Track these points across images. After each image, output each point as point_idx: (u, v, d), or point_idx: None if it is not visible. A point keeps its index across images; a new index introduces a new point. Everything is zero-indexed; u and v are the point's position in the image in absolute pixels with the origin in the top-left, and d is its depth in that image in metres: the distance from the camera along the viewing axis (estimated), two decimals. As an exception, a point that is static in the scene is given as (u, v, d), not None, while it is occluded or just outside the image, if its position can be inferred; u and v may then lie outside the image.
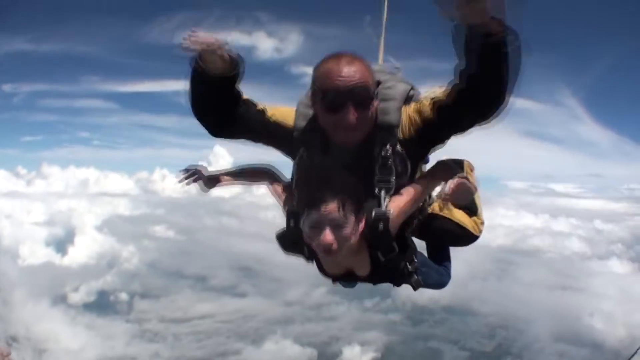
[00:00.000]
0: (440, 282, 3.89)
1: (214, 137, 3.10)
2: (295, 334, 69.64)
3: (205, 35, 2.50)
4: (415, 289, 3.45)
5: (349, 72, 2.76)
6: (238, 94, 2.96)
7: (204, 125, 3.02)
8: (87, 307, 76.20)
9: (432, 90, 3.01)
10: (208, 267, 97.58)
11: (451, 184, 2.87)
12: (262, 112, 3.12)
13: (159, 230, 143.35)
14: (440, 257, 4.02)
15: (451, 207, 3.62)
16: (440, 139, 3.03)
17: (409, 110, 2.99)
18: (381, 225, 2.85)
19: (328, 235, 2.59)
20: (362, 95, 2.79)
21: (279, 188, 3.34)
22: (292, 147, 3.16)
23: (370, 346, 64.81)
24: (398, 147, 2.97)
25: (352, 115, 2.77)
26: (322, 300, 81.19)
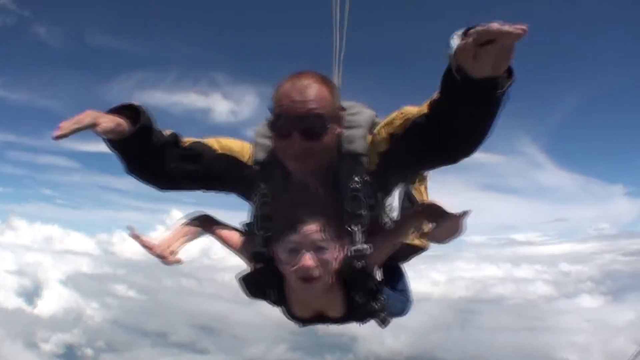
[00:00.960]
0: (402, 309, 3.48)
1: (162, 191, 2.95)
2: None
3: (69, 127, 2.16)
4: (384, 326, 3.07)
5: (302, 97, 2.46)
6: (164, 141, 2.69)
7: (147, 184, 2.86)
8: (57, 357, 79.64)
9: (388, 118, 2.64)
10: (168, 325, 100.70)
11: (451, 223, 2.57)
12: (208, 146, 2.85)
13: (121, 289, 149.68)
14: (393, 277, 3.53)
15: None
16: (398, 173, 2.80)
17: (369, 140, 2.71)
18: (359, 264, 2.62)
19: (309, 259, 2.35)
20: (311, 125, 2.48)
21: (225, 232, 3.03)
22: (249, 183, 2.82)
23: None
24: (367, 177, 2.67)
25: (297, 145, 2.49)
26: (283, 357, 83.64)
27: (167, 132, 2.76)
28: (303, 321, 3.05)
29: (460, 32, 1.86)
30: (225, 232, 3.03)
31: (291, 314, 2.99)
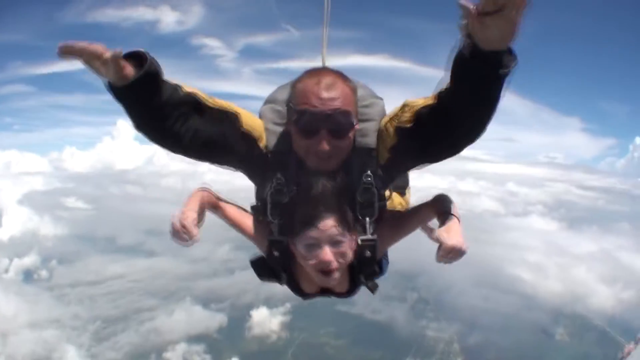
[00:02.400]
0: (383, 271, 3.37)
1: (174, 153, 2.63)
2: (204, 290, 74.49)
3: (79, 44, 2.00)
4: (374, 293, 3.15)
5: (329, 95, 2.47)
6: (179, 98, 2.39)
7: (158, 144, 2.53)
8: (19, 284, 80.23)
9: (393, 111, 2.67)
10: (116, 230, 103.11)
11: (451, 254, 2.58)
12: (233, 118, 2.65)
13: (70, 201, 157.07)
14: None
15: (392, 197, 3.17)
16: (406, 166, 2.86)
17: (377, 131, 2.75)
18: (368, 252, 2.76)
19: (328, 253, 2.45)
20: (340, 123, 2.49)
21: (236, 215, 3.02)
22: (262, 168, 2.79)
23: (279, 308, 68.10)
24: (378, 170, 2.73)
25: (325, 144, 2.50)
26: (228, 256, 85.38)
27: (186, 88, 2.47)
28: (308, 295, 3.18)
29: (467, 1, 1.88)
30: (236, 215, 3.02)
31: (297, 290, 3.11)
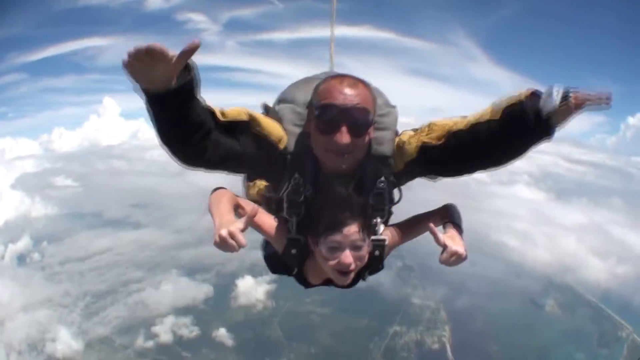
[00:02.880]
0: (384, 267, 3.57)
1: (187, 167, 2.62)
2: (189, 260, 74.97)
3: (148, 46, 1.91)
4: (364, 280, 3.34)
5: (350, 92, 2.61)
6: (200, 111, 2.32)
7: (174, 156, 2.49)
8: (13, 268, 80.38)
9: (419, 129, 2.88)
10: (103, 205, 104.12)
11: (454, 257, 2.74)
12: (250, 123, 2.65)
13: (59, 180, 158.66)
14: None
15: None
16: (420, 176, 3.04)
17: (397, 142, 2.91)
18: (377, 252, 2.98)
19: (349, 257, 2.60)
20: (359, 119, 2.61)
21: (261, 217, 3.05)
22: (279, 169, 2.88)
23: (264, 277, 67.01)
24: (392, 178, 2.92)
25: (344, 138, 2.59)
26: (212, 226, 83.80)
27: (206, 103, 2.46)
28: (312, 285, 3.32)
29: (559, 89, 2.34)
30: (261, 218, 3.03)
31: (303, 281, 3.25)
